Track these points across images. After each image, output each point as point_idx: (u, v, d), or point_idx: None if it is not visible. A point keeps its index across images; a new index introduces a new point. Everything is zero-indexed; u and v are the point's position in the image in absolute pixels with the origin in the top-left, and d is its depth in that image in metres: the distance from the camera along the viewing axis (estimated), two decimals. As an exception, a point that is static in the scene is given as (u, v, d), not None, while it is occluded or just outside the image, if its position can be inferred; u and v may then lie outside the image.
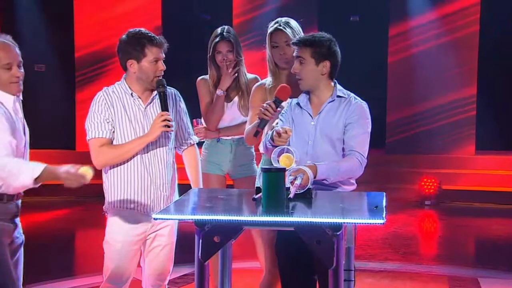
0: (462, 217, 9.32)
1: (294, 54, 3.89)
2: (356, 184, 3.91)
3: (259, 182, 3.44)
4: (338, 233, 3.04)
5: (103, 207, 4.01)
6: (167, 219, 3.38)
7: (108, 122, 3.85)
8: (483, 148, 10.59)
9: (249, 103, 4.43)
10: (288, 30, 4.29)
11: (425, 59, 10.49)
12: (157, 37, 3.91)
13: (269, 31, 4.33)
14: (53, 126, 10.58)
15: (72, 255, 7.52)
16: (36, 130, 10.53)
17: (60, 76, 10.62)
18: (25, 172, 3.29)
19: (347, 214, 3.21)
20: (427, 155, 10.52)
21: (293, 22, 4.35)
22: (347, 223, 3.16)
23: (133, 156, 3.88)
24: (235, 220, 3.14)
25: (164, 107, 3.88)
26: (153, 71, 3.87)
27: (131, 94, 3.91)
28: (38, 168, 3.29)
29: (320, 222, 3.03)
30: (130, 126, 3.88)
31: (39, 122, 10.79)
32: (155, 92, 3.95)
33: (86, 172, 3.29)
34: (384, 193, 3.61)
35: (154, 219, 3.31)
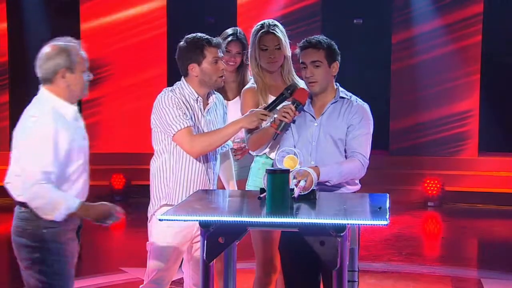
0: (465, 219, 9.30)
1: (305, 60, 3.85)
2: (359, 185, 3.91)
3: (263, 183, 3.44)
4: (342, 234, 3.04)
5: (150, 208, 3.97)
6: (172, 220, 3.37)
7: (186, 115, 3.87)
8: (486, 149, 10.56)
9: (242, 107, 4.33)
10: (279, 34, 4.26)
11: (428, 67, 10.44)
12: (214, 38, 3.97)
13: (258, 33, 4.27)
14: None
15: (78, 255, 7.50)
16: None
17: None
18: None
19: (351, 215, 3.21)
20: (430, 156, 10.50)
21: (280, 25, 4.31)
22: (351, 224, 3.16)
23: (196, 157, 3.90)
24: (239, 221, 3.15)
25: (272, 107, 3.93)
26: (214, 71, 3.92)
27: (197, 98, 3.94)
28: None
29: (324, 223, 3.04)
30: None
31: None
32: (212, 97, 4.00)
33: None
34: (388, 195, 3.62)
35: (160, 220, 3.30)
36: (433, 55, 10.41)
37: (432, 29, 10.38)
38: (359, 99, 3.94)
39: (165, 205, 3.90)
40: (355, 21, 10.89)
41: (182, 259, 4.04)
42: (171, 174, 3.91)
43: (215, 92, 4.09)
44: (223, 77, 4.01)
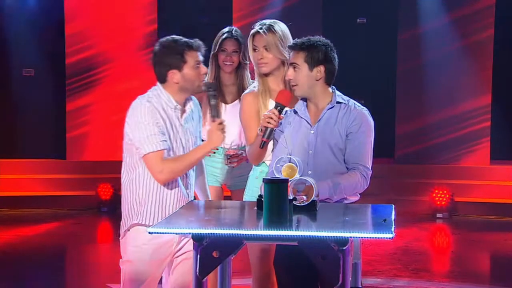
0: (476, 231, 9.30)
1: (288, 61, 3.93)
2: (359, 195, 3.92)
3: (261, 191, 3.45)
4: (344, 248, 3.05)
5: (123, 224, 3.92)
6: (163, 233, 3.38)
7: (163, 134, 3.82)
8: (499, 157, 10.57)
9: (241, 113, 4.30)
10: (268, 35, 4.21)
11: (436, 66, 10.45)
12: (193, 40, 3.92)
13: (251, 32, 4.29)
14: (42, 134, 10.56)
15: (62, 271, 7.51)
16: (24, 138, 10.53)
17: (51, 81, 10.61)
18: None
19: (353, 228, 3.22)
20: (439, 164, 10.50)
21: (279, 26, 4.25)
22: (353, 237, 3.17)
23: None
24: (235, 234, 3.15)
25: (216, 113, 3.94)
26: (197, 77, 3.89)
27: (175, 106, 3.90)
28: None
29: (325, 236, 3.04)
30: (171, 142, 3.87)
31: (28, 129, 10.82)
32: (189, 104, 3.97)
33: None
34: (393, 206, 3.63)
35: (149, 233, 3.30)
36: (441, 52, 10.43)
37: (440, 25, 10.41)
38: (357, 104, 3.95)
39: (136, 225, 3.86)
40: (358, 20, 10.90)
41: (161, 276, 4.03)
42: (145, 190, 3.86)
43: (192, 98, 4.05)
44: (204, 81, 3.99)
